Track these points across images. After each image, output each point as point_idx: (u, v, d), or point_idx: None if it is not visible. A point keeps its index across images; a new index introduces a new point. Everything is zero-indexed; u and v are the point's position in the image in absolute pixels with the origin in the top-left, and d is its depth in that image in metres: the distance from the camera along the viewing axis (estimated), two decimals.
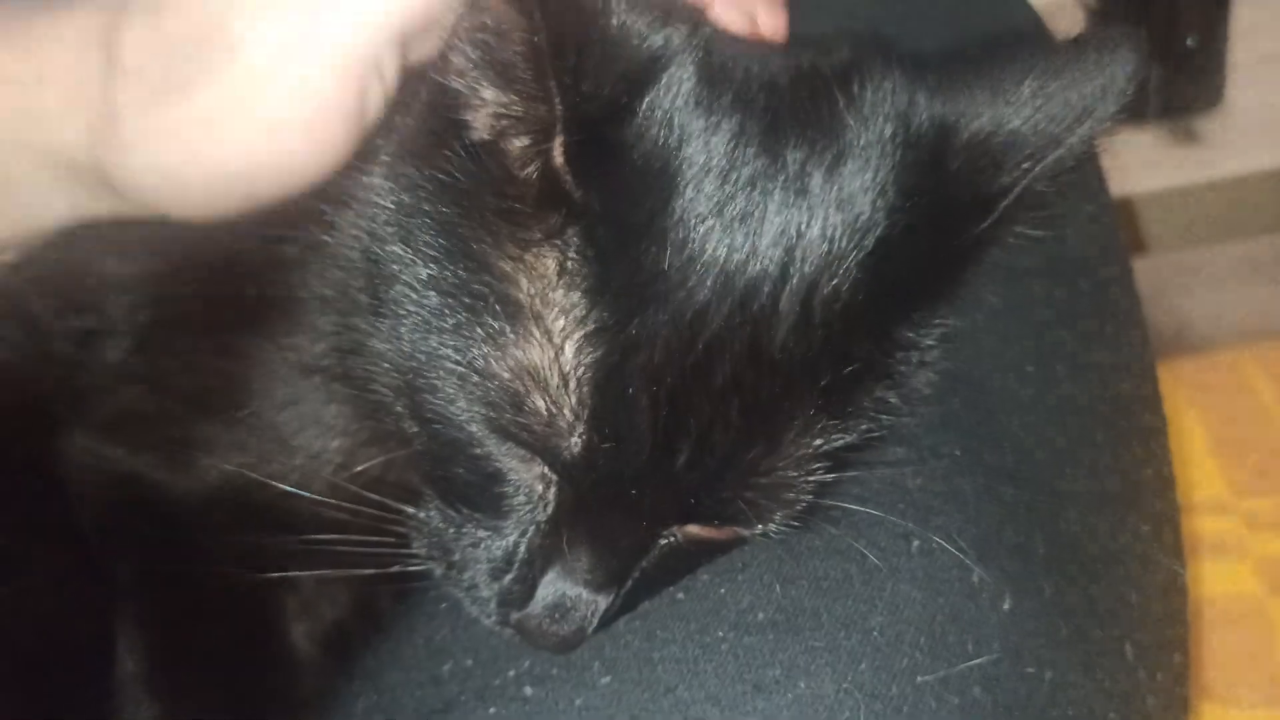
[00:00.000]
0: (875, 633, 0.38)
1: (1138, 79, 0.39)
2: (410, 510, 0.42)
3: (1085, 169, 0.57)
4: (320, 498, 0.44)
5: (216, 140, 0.40)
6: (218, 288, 0.48)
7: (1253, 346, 0.88)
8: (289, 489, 0.45)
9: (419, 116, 0.40)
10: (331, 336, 0.45)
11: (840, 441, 0.39)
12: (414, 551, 0.42)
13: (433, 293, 0.37)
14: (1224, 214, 1.39)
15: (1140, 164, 1.30)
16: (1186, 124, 1.23)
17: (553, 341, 0.36)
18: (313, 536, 0.43)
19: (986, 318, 0.47)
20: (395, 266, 0.38)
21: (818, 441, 0.38)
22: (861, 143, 0.38)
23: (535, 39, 0.33)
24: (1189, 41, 1.18)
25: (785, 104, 0.39)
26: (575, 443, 0.36)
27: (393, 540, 0.43)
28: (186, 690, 0.47)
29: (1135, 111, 1.18)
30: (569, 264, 0.36)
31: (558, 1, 0.33)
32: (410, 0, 0.38)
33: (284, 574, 0.46)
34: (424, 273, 0.38)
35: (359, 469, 0.46)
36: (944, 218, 0.39)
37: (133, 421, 0.48)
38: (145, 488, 0.48)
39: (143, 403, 0.48)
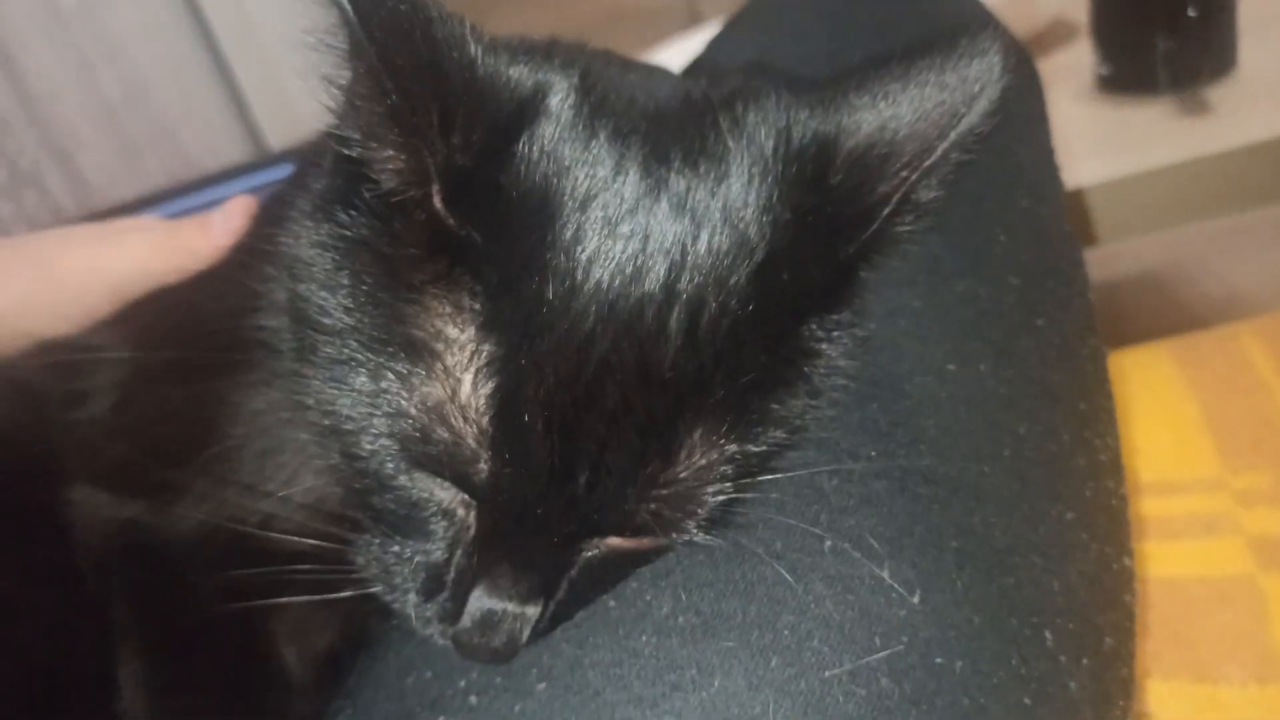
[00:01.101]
0: (785, 631, 0.40)
1: (1003, 83, 0.40)
2: (353, 538, 0.45)
3: (1020, 161, 0.59)
4: (282, 535, 0.47)
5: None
6: (183, 341, 0.52)
7: (1252, 320, 0.87)
8: (253, 530, 0.48)
9: (328, 174, 0.43)
10: (281, 381, 0.48)
11: (747, 449, 0.41)
12: (363, 576, 0.45)
13: (349, 339, 0.40)
14: (1261, 177, 1.36)
15: (1165, 134, 1.28)
16: (1197, 94, 1.21)
17: (451, 376, 0.38)
18: (287, 567, 0.47)
19: (908, 322, 0.49)
20: (314, 316, 0.41)
21: (719, 452, 0.40)
22: (745, 163, 0.41)
23: (390, 103, 0.35)
24: (1190, 12, 1.16)
25: (669, 130, 0.41)
26: (482, 469, 0.38)
27: (352, 565, 0.46)
28: (185, 715, 0.51)
29: (1145, 85, 1.17)
30: (463, 302, 0.38)
31: (410, 66, 0.35)
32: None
33: (266, 602, 0.49)
34: (338, 322, 0.41)
35: (322, 501, 0.50)
36: (829, 229, 0.41)
37: (120, 472, 0.53)
38: (137, 531, 0.52)
39: (127, 454, 0.53)
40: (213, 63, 1.84)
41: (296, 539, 0.47)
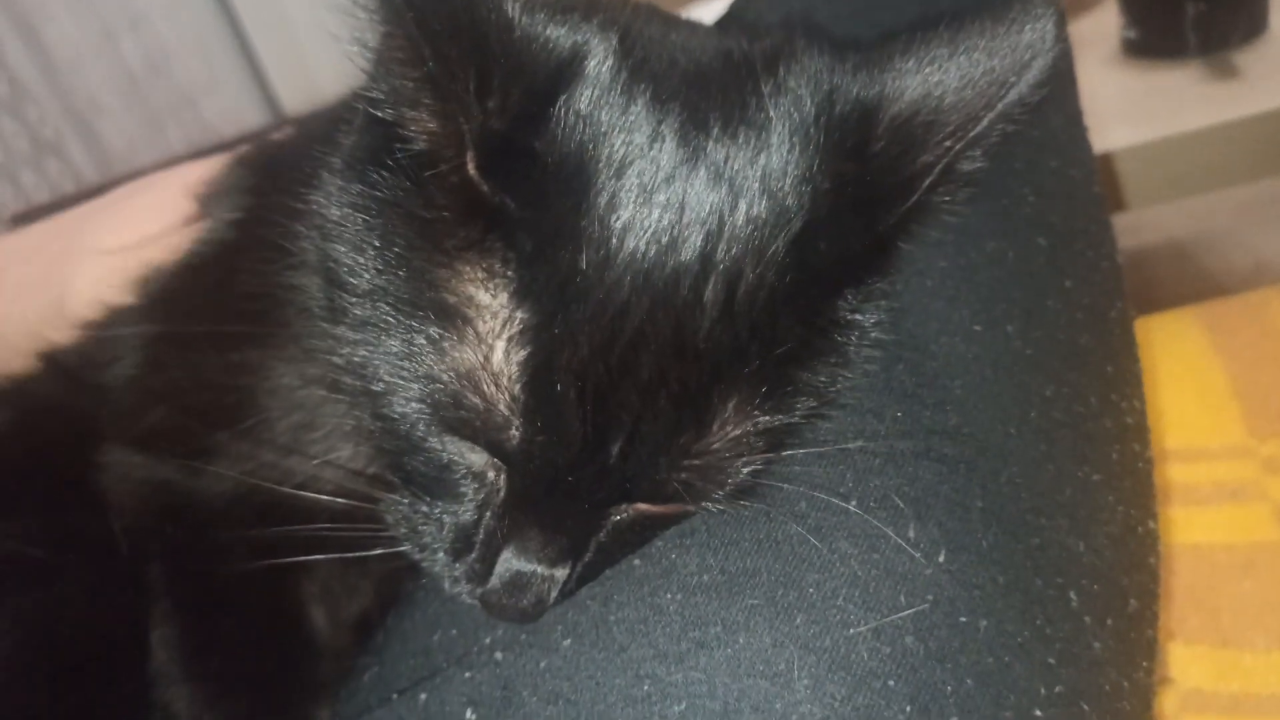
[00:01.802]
0: (811, 589, 0.40)
1: (1055, 51, 0.39)
2: (384, 497, 0.45)
3: (1050, 123, 0.58)
4: (315, 496, 0.48)
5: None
6: (218, 307, 0.52)
7: None
8: (291, 491, 0.48)
9: (358, 132, 0.43)
10: (314, 343, 0.48)
11: (779, 420, 0.41)
12: (392, 535, 0.46)
13: (378, 302, 0.40)
14: None
15: (1194, 99, 1.27)
16: (1226, 58, 1.19)
17: (483, 343, 0.38)
18: (318, 526, 0.48)
19: (935, 282, 0.48)
20: (345, 277, 0.41)
21: (754, 422, 0.40)
22: (786, 129, 0.40)
23: (427, 69, 0.35)
24: None
25: (710, 93, 0.41)
26: (513, 435, 0.38)
27: (384, 526, 0.47)
28: (216, 675, 0.52)
29: (1173, 49, 1.15)
30: (495, 268, 0.38)
31: (448, 30, 0.34)
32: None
33: (297, 559, 0.50)
34: (369, 283, 0.40)
35: (360, 465, 0.50)
36: (869, 198, 0.40)
37: (156, 435, 0.53)
38: (171, 493, 0.53)
39: (164, 419, 0.53)
40: (232, 32, 1.84)
41: (330, 499, 0.48)
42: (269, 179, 0.61)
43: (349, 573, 0.56)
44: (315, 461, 0.51)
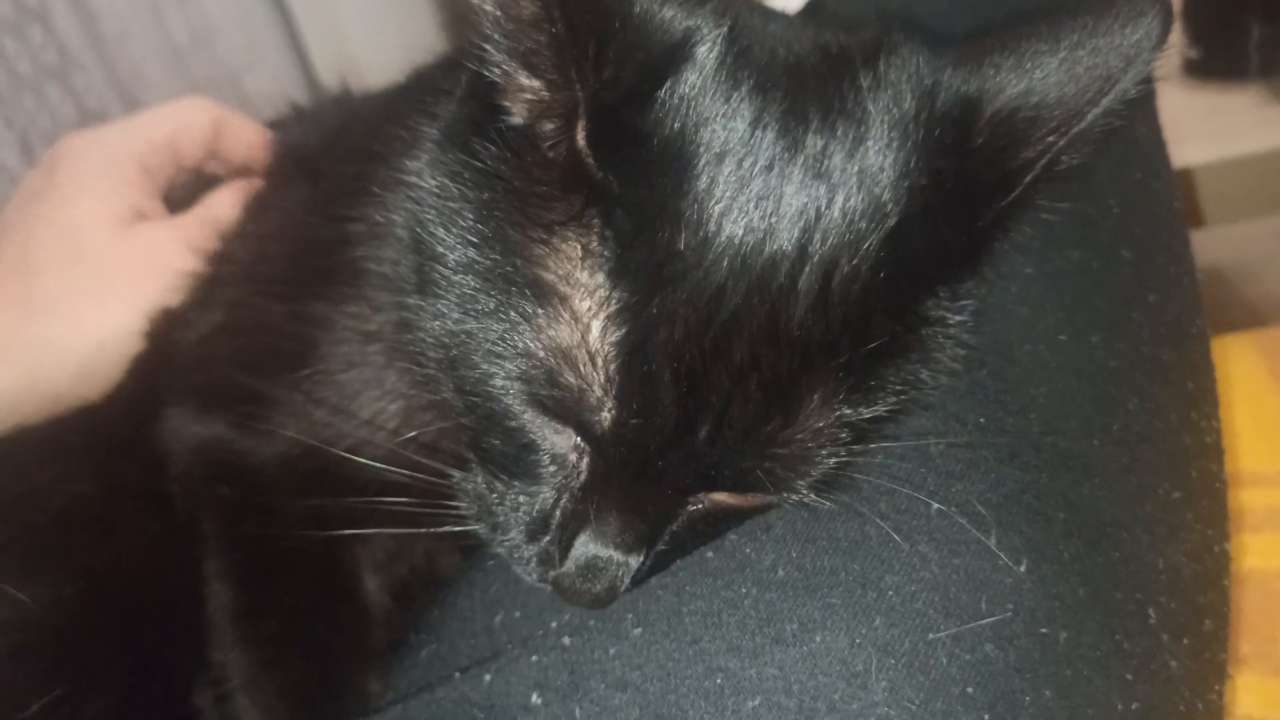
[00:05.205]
0: (890, 591, 0.40)
1: (1161, 47, 0.39)
2: (456, 475, 0.45)
3: (1135, 134, 0.57)
4: (376, 464, 0.47)
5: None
6: (294, 256, 0.52)
7: None
8: (346, 456, 0.48)
9: (460, 103, 0.42)
10: (389, 310, 0.48)
11: (863, 415, 0.40)
12: (462, 513, 0.45)
13: (471, 275, 0.40)
14: None
15: (1252, 123, 1.25)
16: None
17: (580, 321, 0.38)
18: (375, 499, 0.47)
19: (1020, 288, 0.48)
20: (438, 248, 0.41)
21: (838, 414, 0.40)
22: (885, 124, 0.39)
23: (554, 31, 0.35)
24: None
25: (809, 86, 0.40)
26: (605, 417, 0.38)
27: (447, 502, 0.46)
28: (267, 640, 0.52)
29: (1235, 71, 1.14)
30: (592, 246, 0.38)
31: None
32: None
33: (349, 532, 0.50)
34: (463, 256, 0.40)
35: (414, 434, 0.50)
36: (967, 195, 0.40)
37: (210, 382, 0.53)
38: (224, 451, 0.53)
39: (218, 362, 0.53)
40: (276, 9, 1.85)
41: (388, 468, 0.48)
42: (335, 151, 0.61)
43: (403, 541, 0.55)
44: (369, 424, 0.51)
